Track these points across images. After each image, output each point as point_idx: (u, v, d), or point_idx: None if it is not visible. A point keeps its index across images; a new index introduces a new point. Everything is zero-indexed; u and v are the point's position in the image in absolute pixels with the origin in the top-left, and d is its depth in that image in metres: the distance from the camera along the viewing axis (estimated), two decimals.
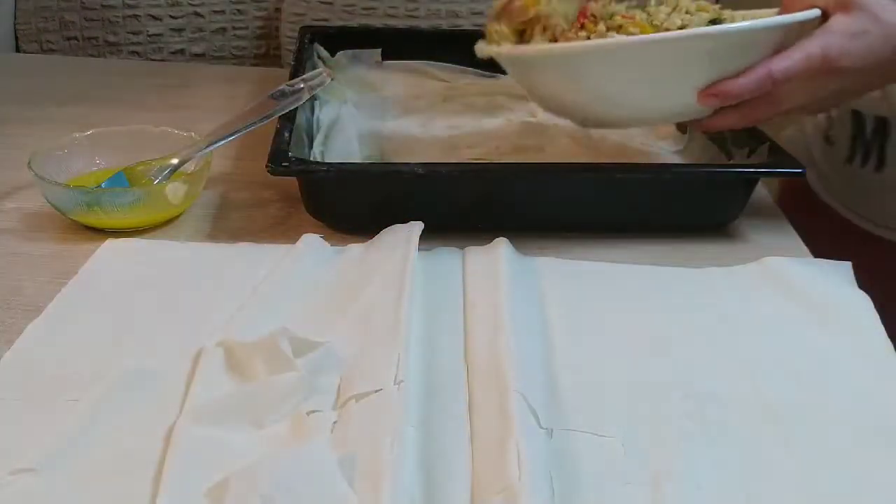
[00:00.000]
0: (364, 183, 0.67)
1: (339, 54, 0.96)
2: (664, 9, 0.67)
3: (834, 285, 0.61)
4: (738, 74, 0.60)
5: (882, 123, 0.79)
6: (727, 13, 0.66)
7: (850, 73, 0.57)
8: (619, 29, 0.65)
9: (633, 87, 0.65)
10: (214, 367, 0.50)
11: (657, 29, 0.64)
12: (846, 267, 0.63)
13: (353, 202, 0.67)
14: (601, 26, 0.66)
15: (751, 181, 0.69)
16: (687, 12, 0.66)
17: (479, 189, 0.67)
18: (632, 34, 0.64)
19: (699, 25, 0.63)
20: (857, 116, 0.81)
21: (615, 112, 0.68)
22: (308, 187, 0.68)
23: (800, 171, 0.66)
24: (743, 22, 0.62)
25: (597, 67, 0.64)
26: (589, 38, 0.65)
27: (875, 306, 0.59)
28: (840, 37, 0.56)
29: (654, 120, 0.74)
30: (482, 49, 0.72)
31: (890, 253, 0.82)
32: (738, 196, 0.69)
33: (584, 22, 0.67)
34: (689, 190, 0.69)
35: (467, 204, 0.67)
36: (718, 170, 0.71)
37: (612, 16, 0.67)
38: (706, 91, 0.60)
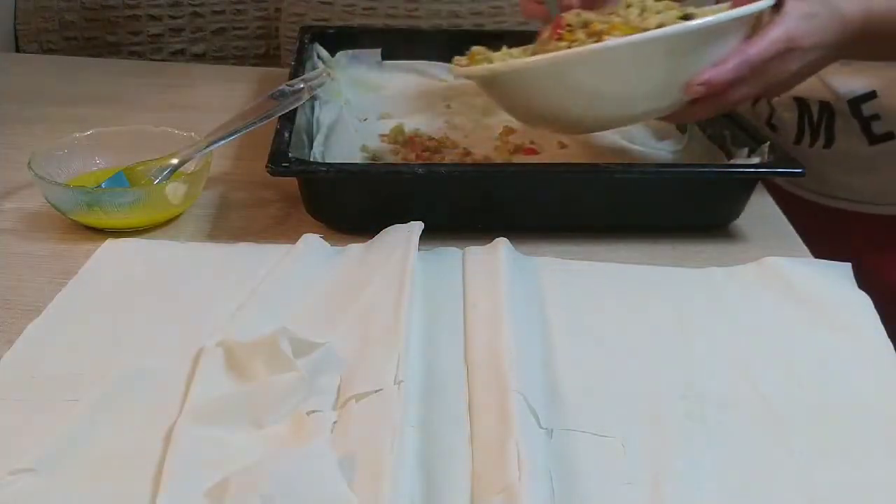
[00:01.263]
0: (364, 183, 0.67)
1: (339, 54, 0.96)
2: (634, 10, 0.68)
3: (834, 285, 0.61)
4: (713, 65, 0.63)
5: (825, 106, 0.86)
6: (691, 9, 0.67)
7: (810, 50, 0.65)
8: (599, 35, 0.65)
9: (620, 89, 0.66)
10: (214, 367, 0.50)
11: (637, 30, 0.64)
12: (846, 267, 0.63)
13: (353, 202, 0.67)
14: (580, 34, 0.67)
15: (751, 181, 0.69)
16: (657, 12, 0.66)
17: (479, 189, 0.67)
18: (615, 38, 0.64)
19: (675, 23, 0.64)
20: (801, 102, 0.87)
21: (600, 115, 0.69)
22: (308, 187, 0.67)
23: (800, 171, 0.66)
24: (718, 14, 0.63)
25: (589, 71, 0.64)
26: (570, 47, 0.65)
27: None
28: (797, 20, 0.63)
29: (632, 119, 0.74)
30: (458, 71, 0.73)
31: (834, 219, 0.90)
32: (738, 196, 0.69)
33: (560, 33, 0.68)
34: (689, 190, 0.69)
35: (467, 204, 0.67)
36: (718, 170, 0.71)
37: (587, 23, 0.68)
38: (694, 82, 0.64)
